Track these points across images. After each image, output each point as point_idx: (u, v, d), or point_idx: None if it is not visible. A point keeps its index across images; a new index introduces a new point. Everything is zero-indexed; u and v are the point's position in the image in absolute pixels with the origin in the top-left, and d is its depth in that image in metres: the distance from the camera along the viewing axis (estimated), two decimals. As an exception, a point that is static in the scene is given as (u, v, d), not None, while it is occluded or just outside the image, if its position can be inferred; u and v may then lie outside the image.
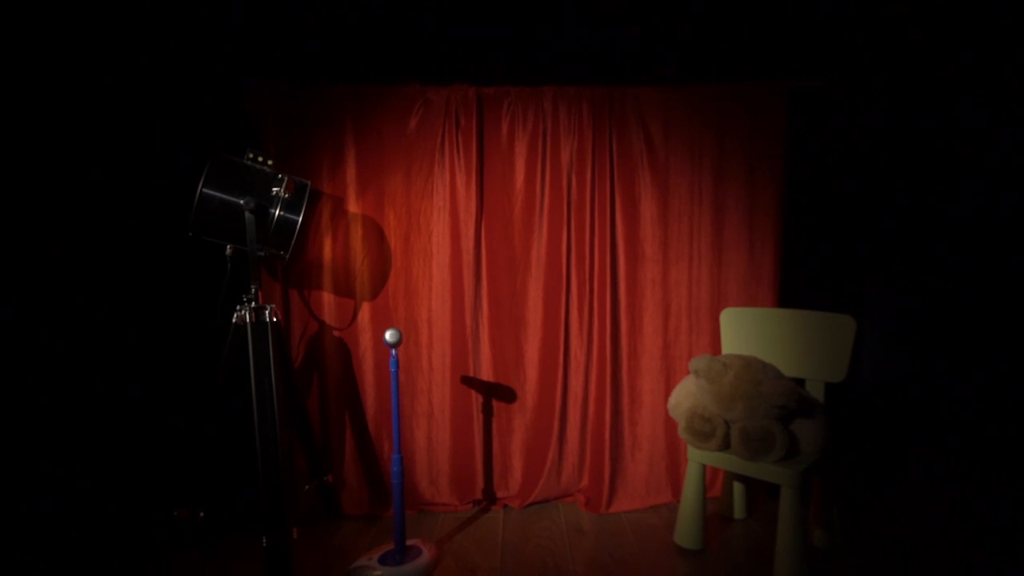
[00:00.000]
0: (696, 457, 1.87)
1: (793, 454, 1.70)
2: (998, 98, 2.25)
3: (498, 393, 2.24)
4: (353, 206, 2.13)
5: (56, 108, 1.92)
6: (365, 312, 2.17)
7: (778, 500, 1.70)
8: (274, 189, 1.75)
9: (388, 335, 1.73)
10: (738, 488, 2.13)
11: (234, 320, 1.72)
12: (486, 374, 2.23)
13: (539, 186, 2.18)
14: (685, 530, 1.91)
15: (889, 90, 2.41)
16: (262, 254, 1.76)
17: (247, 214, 1.67)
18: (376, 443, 2.20)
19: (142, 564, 1.87)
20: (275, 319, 1.74)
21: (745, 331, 2.06)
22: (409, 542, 1.88)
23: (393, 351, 1.78)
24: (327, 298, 2.15)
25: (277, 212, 1.75)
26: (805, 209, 2.35)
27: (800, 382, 1.89)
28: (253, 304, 1.70)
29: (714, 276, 2.25)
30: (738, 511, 2.13)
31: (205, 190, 1.65)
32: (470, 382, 2.23)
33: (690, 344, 2.27)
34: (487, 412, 2.25)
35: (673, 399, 1.95)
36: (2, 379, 1.80)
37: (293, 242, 1.80)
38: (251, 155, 1.75)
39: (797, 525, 1.66)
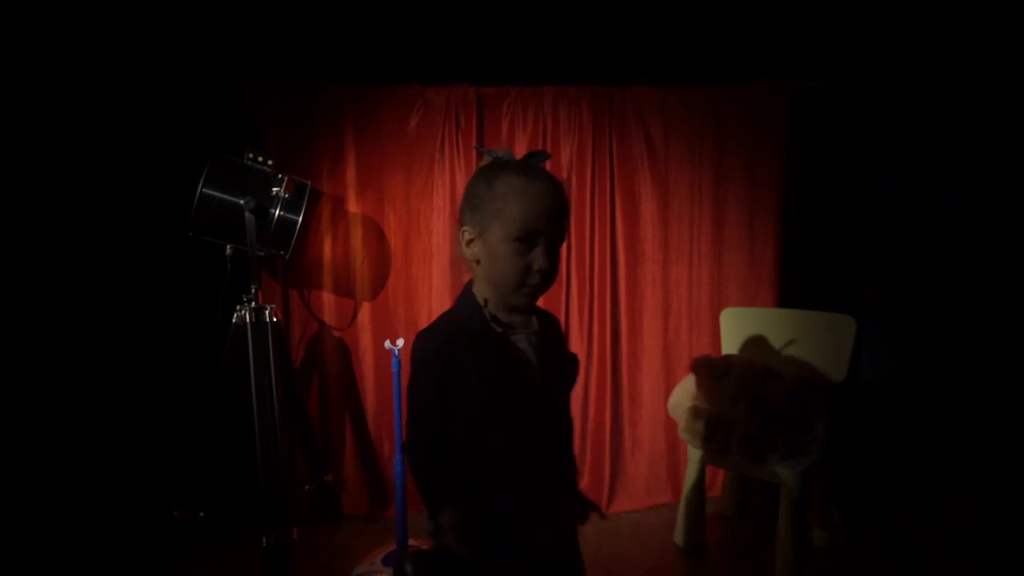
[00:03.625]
0: (696, 457, 1.87)
1: (793, 454, 1.70)
2: (998, 97, 2.25)
3: (498, 393, 2.24)
4: (353, 206, 2.13)
5: (57, 109, 1.92)
6: (365, 312, 2.17)
7: (778, 500, 1.70)
8: (274, 189, 1.74)
9: None
10: (738, 488, 2.12)
11: (234, 320, 1.72)
12: (486, 374, 2.22)
13: (539, 186, 2.18)
14: (685, 530, 1.91)
15: (889, 90, 2.41)
16: (262, 254, 1.76)
17: (247, 214, 1.67)
18: (376, 443, 2.20)
19: (142, 564, 1.86)
20: (275, 319, 1.74)
21: (745, 331, 2.06)
22: (410, 542, 1.88)
23: (395, 351, 1.78)
24: (327, 298, 2.15)
25: (277, 212, 1.75)
26: (805, 208, 2.35)
27: (800, 382, 1.89)
28: (253, 304, 1.70)
29: (714, 276, 2.25)
30: (738, 511, 2.13)
31: (205, 190, 1.65)
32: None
33: (690, 344, 2.27)
34: (487, 412, 2.25)
35: (673, 399, 1.95)
36: (2, 378, 1.80)
37: (293, 242, 1.80)
38: (251, 155, 1.75)
39: (797, 525, 1.66)
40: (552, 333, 0.94)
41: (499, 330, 0.86)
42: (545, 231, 0.83)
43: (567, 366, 0.96)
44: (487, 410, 0.81)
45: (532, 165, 0.87)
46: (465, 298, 0.90)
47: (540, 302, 0.92)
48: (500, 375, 0.84)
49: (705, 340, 2.27)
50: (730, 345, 2.09)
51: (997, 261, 2.36)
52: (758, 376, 1.74)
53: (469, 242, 0.88)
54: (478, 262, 0.88)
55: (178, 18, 2.04)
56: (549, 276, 0.84)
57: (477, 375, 0.81)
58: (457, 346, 0.83)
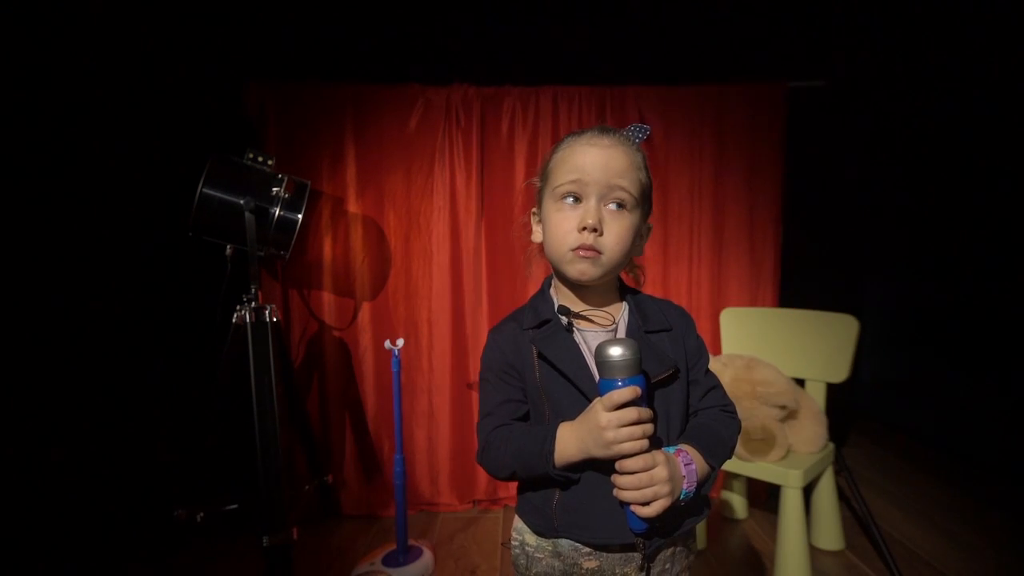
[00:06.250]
0: (696, 457, 1.87)
1: (793, 454, 1.70)
2: (998, 96, 2.25)
3: (498, 393, 2.24)
4: (353, 206, 2.13)
5: (57, 109, 1.91)
6: (365, 312, 2.17)
7: (778, 500, 1.70)
8: (274, 189, 1.74)
9: None
10: (738, 488, 2.12)
11: (234, 320, 1.72)
12: (486, 374, 2.22)
13: (539, 186, 2.18)
14: (685, 530, 1.91)
15: (889, 90, 2.41)
16: (262, 254, 1.76)
17: (247, 214, 1.67)
18: (376, 443, 2.20)
19: (143, 564, 1.86)
20: (275, 319, 1.73)
21: (745, 331, 2.06)
22: (410, 542, 1.88)
23: (395, 351, 1.78)
24: (327, 298, 2.15)
25: (277, 212, 1.74)
26: (805, 208, 2.35)
27: (800, 382, 1.89)
28: (253, 304, 1.70)
29: (714, 276, 2.25)
30: (738, 511, 2.13)
31: (205, 190, 1.65)
32: (470, 382, 2.22)
33: (690, 344, 2.26)
34: (487, 412, 2.25)
35: (673, 399, 1.94)
36: (2, 379, 1.80)
37: (293, 242, 1.80)
38: (251, 155, 1.75)
39: (797, 525, 1.66)
40: (657, 335, 0.84)
41: (564, 320, 0.79)
42: (593, 186, 0.73)
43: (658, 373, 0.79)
44: (542, 407, 0.77)
45: (600, 127, 0.79)
46: (538, 292, 0.87)
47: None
48: (555, 370, 0.76)
49: (705, 340, 2.26)
50: (730, 345, 2.09)
51: (997, 260, 2.36)
52: (758, 376, 1.74)
53: (536, 219, 0.85)
54: (542, 245, 0.82)
55: (178, 17, 2.04)
56: (599, 238, 0.74)
57: (532, 368, 0.77)
58: (513, 342, 0.81)
